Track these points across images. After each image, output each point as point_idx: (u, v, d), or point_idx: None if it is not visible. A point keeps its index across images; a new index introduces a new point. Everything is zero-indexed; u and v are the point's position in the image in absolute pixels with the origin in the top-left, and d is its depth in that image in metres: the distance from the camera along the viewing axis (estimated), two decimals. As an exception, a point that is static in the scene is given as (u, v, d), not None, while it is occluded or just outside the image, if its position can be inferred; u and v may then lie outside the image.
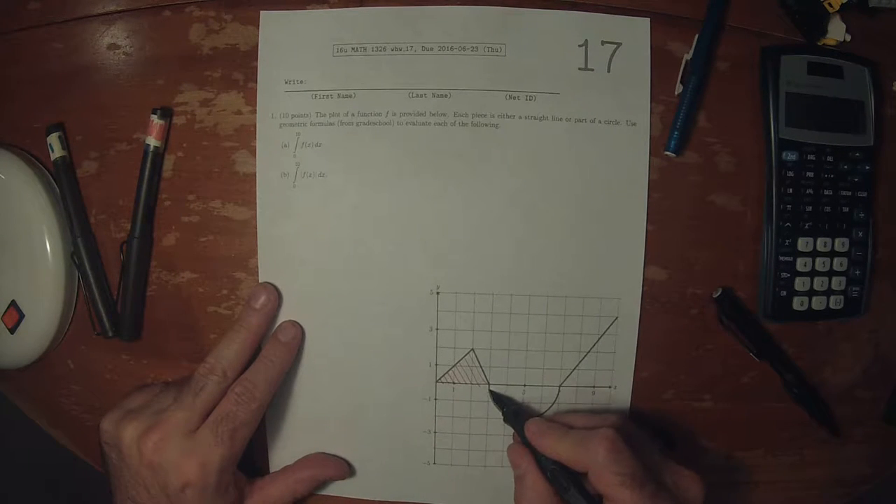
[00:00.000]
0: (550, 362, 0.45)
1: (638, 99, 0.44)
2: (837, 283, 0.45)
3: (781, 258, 0.44)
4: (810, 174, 0.44)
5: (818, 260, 0.45)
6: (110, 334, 0.46)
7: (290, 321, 0.45)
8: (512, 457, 0.42)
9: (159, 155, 0.45)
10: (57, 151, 0.45)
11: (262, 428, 0.46)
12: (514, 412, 0.44)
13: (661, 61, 0.44)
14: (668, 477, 0.39)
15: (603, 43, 0.44)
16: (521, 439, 0.42)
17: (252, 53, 0.44)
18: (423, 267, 0.45)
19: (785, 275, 0.44)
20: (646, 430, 0.42)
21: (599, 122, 0.44)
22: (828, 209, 0.44)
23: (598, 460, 0.37)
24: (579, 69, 0.44)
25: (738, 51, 0.45)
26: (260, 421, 0.43)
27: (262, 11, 0.44)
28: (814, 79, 0.44)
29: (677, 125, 0.43)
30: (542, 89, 0.44)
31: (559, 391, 0.46)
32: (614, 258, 0.45)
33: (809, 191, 0.44)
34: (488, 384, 0.45)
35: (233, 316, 0.46)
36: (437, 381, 0.46)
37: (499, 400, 0.45)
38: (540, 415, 0.45)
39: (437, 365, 0.45)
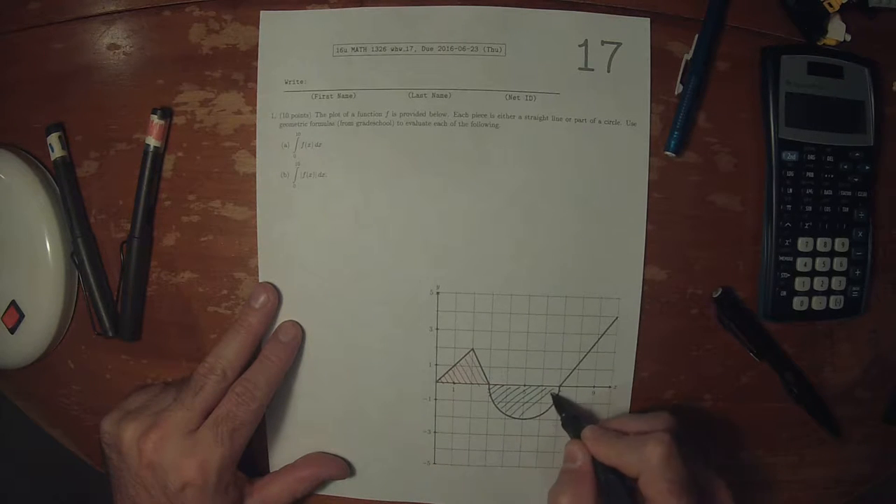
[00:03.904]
0: (550, 362, 0.45)
1: (638, 99, 0.44)
2: (837, 283, 0.45)
3: (781, 258, 0.44)
4: (810, 174, 0.44)
5: (818, 260, 0.45)
6: (110, 334, 0.46)
7: (290, 321, 0.45)
8: (571, 449, 0.41)
9: (159, 155, 0.45)
10: (57, 151, 0.45)
11: (262, 428, 0.46)
12: (573, 417, 0.43)
13: (661, 61, 0.44)
14: (708, 485, 0.39)
15: (603, 43, 0.44)
16: None
17: (252, 53, 0.44)
18: (423, 267, 0.45)
19: (785, 275, 0.44)
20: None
21: (599, 122, 0.44)
22: (828, 209, 0.44)
23: (652, 464, 0.37)
24: (579, 69, 0.44)
25: (738, 51, 0.45)
26: (260, 421, 0.43)
27: (262, 11, 0.44)
28: (814, 79, 0.44)
29: (677, 125, 0.43)
30: (542, 89, 0.44)
31: (559, 391, 0.46)
32: (614, 258, 0.45)
33: (809, 191, 0.44)
34: (488, 384, 0.45)
35: (233, 316, 0.46)
36: (437, 381, 0.46)
37: (559, 404, 0.45)
38: (596, 421, 0.44)
39: (437, 365, 0.45)
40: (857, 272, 0.45)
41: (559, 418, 0.44)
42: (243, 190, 0.45)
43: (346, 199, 0.44)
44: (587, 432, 0.41)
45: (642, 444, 0.38)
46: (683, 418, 0.47)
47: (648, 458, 0.37)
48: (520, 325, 0.45)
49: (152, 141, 0.44)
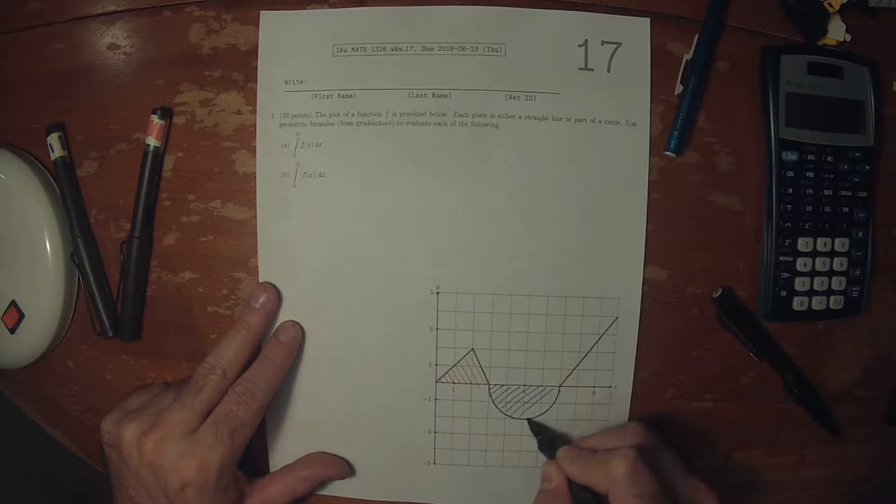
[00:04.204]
0: (550, 362, 0.45)
1: (638, 99, 0.44)
2: (837, 283, 0.45)
3: (781, 258, 0.44)
4: (810, 174, 0.44)
5: (818, 260, 0.45)
6: (110, 334, 0.46)
7: (290, 321, 0.45)
8: (547, 470, 0.41)
9: (159, 155, 0.45)
10: (57, 151, 0.45)
11: (262, 428, 0.46)
12: (549, 440, 0.44)
13: (661, 61, 0.44)
14: (687, 493, 0.39)
15: (603, 43, 0.44)
16: None
17: (252, 53, 0.44)
18: (423, 267, 0.45)
19: (785, 275, 0.44)
20: (664, 439, 0.42)
21: (599, 122, 0.44)
22: (828, 209, 0.44)
23: (618, 480, 0.37)
24: (579, 69, 0.44)
25: (738, 51, 0.45)
26: (260, 421, 0.43)
27: (262, 11, 0.44)
28: (814, 79, 0.44)
29: (677, 125, 0.43)
30: (542, 89, 0.44)
31: (559, 391, 0.46)
32: (614, 258, 0.45)
33: (809, 191, 0.44)
34: (488, 384, 0.46)
35: (233, 316, 0.46)
36: (437, 381, 0.46)
37: (535, 428, 0.45)
38: (571, 442, 0.44)
39: (437, 365, 0.45)
40: (857, 272, 0.45)
41: (536, 442, 0.45)
42: (243, 190, 0.45)
43: (346, 199, 0.44)
44: (561, 453, 0.41)
45: (608, 460, 0.38)
46: (683, 418, 0.47)
47: (614, 475, 0.37)
48: (520, 325, 0.45)
49: (152, 141, 0.44)
